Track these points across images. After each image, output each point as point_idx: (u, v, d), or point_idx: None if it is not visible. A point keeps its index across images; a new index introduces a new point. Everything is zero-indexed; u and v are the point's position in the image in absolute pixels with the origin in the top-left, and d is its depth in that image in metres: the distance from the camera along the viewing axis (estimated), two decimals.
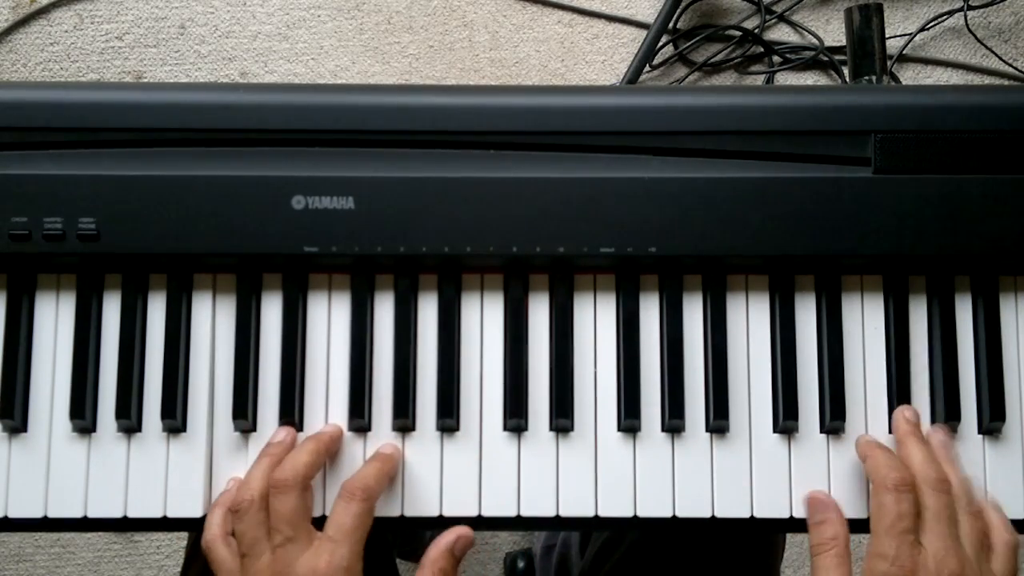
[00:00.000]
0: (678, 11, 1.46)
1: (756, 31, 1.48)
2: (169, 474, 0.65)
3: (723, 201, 0.64)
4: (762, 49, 1.50)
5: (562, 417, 0.65)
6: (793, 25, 1.51)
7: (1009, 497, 0.66)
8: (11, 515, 0.65)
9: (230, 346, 0.66)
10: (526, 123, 0.65)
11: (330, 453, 0.65)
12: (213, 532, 0.62)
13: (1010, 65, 1.49)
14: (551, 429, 0.66)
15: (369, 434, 0.66)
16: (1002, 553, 0.60)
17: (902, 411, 0.65)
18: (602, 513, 0.65)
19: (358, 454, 0.65)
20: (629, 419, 0.65)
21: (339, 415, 0.66)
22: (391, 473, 0.64)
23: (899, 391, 0.66)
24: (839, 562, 0.59)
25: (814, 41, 1.49)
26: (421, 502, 0.65)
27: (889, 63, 1.47)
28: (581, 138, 0.65)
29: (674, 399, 0.65)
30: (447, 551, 0.62)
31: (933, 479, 0.60)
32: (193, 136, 0.65)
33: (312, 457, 0.62)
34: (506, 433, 0.66)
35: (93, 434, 0.66)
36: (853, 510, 0.65)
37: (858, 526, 0.65)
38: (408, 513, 0.65)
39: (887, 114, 0.65)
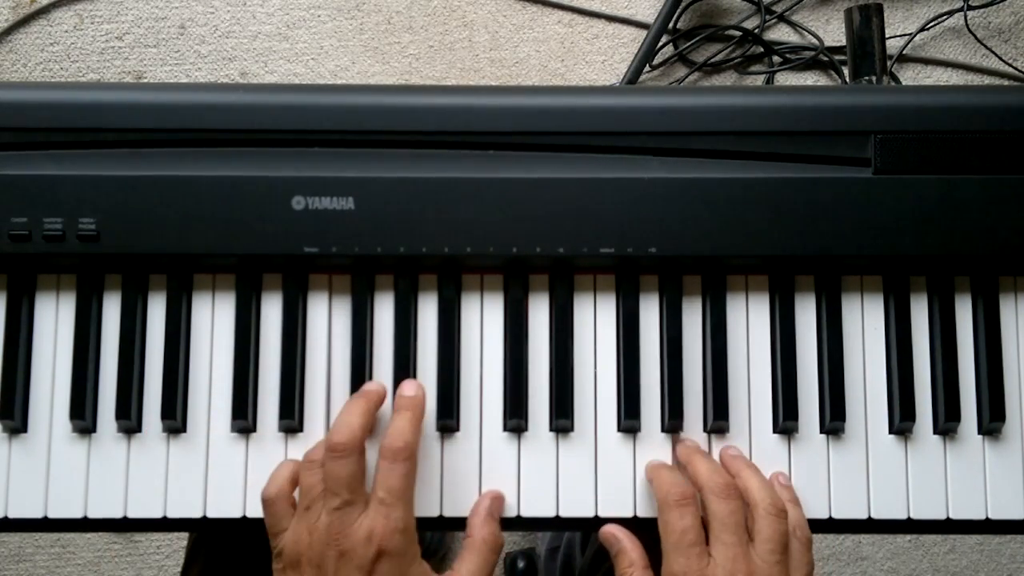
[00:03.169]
0: (678, 11, 1.46)
1: (756, 31, 1.48)
2: (169, 474, 0.65)
3: (723, 201, 0.64)
4: (762, 49, 1.50)
5: (562, 417, 0.65)
6: (793, 25, 1.51)
7: (1009, 497, 0.66)
8: (11, 515, 0.65)
9: (230, 346, 0.66)
10: (526, 123, 0.65)
11: (377, 411, 0.64)
12: (279, 486, 0.62)
13: (1010, 65, 1.49)
14: (551, 429, 0.66)
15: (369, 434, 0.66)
16: (796, 550, 0.61)
17: (681, 440, 0.66)
18: (602, 513, 0.65)
19: None
20: (629, 419, 0.65)
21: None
22: (422, 417, 0.64)
23: (899, 391, 0.66)
24: None
25: (814, 41, 1.49)
26: (421, 502, 0.65)
27: (889, 63, 1.47)
28: (581, 138, 0.65)
29: (674, 400, 0.65)
30: (488, 517, 0.63)
31: (718, 486, 0.61)
32: (193, 136, 0.65)
33: (365, 418, 0.62)
34: (506, 433, 0.66)
35: (93, 434, 0.66)
36: (856, 510, 0.65)
37: (862, 526, 0.66)
38: None
39: (887, 114, 0.65)
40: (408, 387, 0.64)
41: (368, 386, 0.64)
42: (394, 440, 0.60)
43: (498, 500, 0.65)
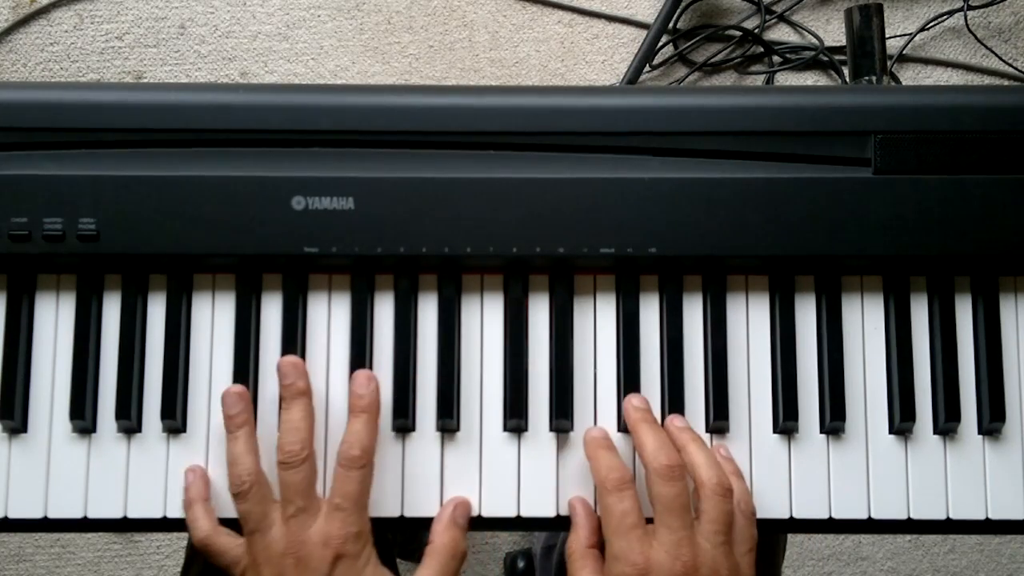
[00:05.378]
0: (678, 11, 1.46)
1: (756, 31, 1.48)
2: (169, 474, 0.65)
3: (723, 201, 0.64)
4: (762, 49, 1.50)
5: (562, 417, 0.65)
6: (793, 25, 1.51)
7: (1009, 497, 0.66)
8: (11, 515, 0.65)
9: (230, 346, 0.66)
10: (526, 123, 0.65)
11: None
12: (204, 528, 0.63)
13: (1010, 65, 1.49)
14: (551, 429, 0.66)
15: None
16: (741, 525, 0.61)
17: (630, 399, 0.65)
18: None
19: None
20: None
21: (339, 415, 0.66)
22: (379, 415, 0.64)
23: (899, 391, 0.66)
24: (583, 564, 0.61)
25: (814, 41, 1.49)
26: (421, 502, 0.65)
27: (889, 63, 1.47)
28: (581, 138, 0.65)
29: (674, 400, 0.65)
30: (450, 523, 0.63)
31: (663, 468, 0.60)
32: (193, 136, 0.65)
33: (309, 420, 0.63)
34: (506, 433, 0.66)
35: (93, 434, 0.66)
36: (856, 510, 0.65)
37: (862, 526, 0.66)
38: (408, 514, 0.65)
39: (887, 114, 0.65)
40: (360, 384, 0.63)
41: (298, 383, 0.63)
42: (351, 447, 0.61)
43: (462, 507, 0.64)
